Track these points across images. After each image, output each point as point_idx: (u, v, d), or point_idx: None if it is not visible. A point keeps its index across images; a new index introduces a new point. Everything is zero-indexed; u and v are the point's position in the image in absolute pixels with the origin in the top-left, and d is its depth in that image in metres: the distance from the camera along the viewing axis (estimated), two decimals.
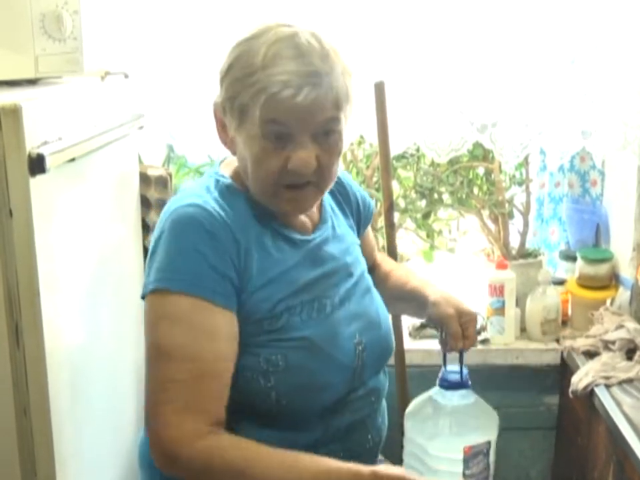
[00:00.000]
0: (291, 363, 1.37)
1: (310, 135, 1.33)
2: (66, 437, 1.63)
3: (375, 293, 1.58)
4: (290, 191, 1.37)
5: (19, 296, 1.48)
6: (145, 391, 1.34)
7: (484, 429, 1.52)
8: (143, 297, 1.36)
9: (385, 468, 1.30)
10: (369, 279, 1.59)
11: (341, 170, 1.57)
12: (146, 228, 2.21)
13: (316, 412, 1.42)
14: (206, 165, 2.57)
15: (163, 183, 2.24)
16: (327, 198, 1.57)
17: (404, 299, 1.72)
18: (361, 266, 1.58)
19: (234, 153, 1.43)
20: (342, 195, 1.63)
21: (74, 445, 1.68)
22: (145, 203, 2.20)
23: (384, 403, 1.60)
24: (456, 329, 1.58)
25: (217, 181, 1.43)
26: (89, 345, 1.80)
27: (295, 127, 1.32)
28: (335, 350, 1.42)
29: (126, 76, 2.08)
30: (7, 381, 1.51)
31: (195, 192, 1.40)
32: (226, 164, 1.50)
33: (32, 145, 1.46)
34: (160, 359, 1.31)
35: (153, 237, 1.39)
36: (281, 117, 1.31)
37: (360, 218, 1.66)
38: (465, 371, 1.59)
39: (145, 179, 2.19)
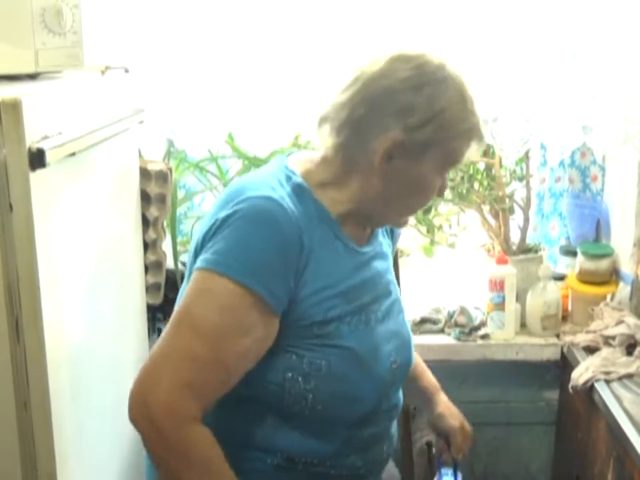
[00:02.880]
0: (334, 370, 1.37)
1: None
2: (66, 431, 1.63)
3: (404, 313, 1.60)
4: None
5: (19, 291, 1.48)
6: (152, 348, 1.31)
7: None
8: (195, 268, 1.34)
9: None
10: (401, 298, 1.61)
11: None
12: (146, 222, 2.21)
13: (344, 423, 1.42)
14: (205, 160, 2.57)
15: (163, 177, 2.24)
16: None
17: (412, 388, 1.77)
18: (396, 287, 1.59)
19: (368, 174, 1.41)
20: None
21: (74, 439, 1.68)
22: (145, 197, 2.20)
23: None
24: (460, 441, 1.74)
25: (289, 177, 1.40)
26: (90, 339, 1.80)
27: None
28: (375, 365, 1.43)
29: (126, 70, 2.08)
30: (8, 376, 1.51)
31: (269, 183, 1.36)
32: (295, 161, 1.46)
33: (32, 139, 1.46)
34: (186, 327, 1.29)
35: (216, 212, 1.35)
36: (464, 156, 1.42)
37: (392, 239, 1.67)
38: (460, 477, 1.78)
39: (145, 173, 2.19)
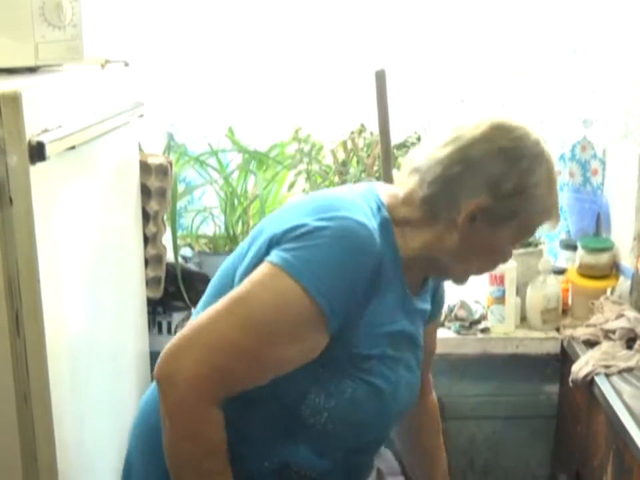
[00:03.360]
0: (356, 399, 1.39)
1: None
2: (66, 423, 1.63)
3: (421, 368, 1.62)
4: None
5: (19, 284, 1.48)
6: (194, 321, 1.30)
7: None
8: (263, 259, 1.33)
9: None
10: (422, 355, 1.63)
11: None
12: (146, 216, 2.21)
13: (344, 447, 1.45)
14: (206, 154, 2.57)
15: (163, 171, 2.24)
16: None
17: (423, 471, 1.83)
18: (422, 343, 1.60)
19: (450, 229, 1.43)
20: (435, 280, 1.65)
21: (74, 431, 1.69)
22: (145, 191, 2.20)
23: None
24: None
25: (379, 208, 1.42)
26: (89, 332, 1.80)
27: None
28: (392, 408, 1.47)
29: (126, 64, 2.08)
30: (8, 369, 1.51)
31: (363, 209, 1.38)
32: (384, 193, 1.48)
33: (32, 132, 1.46)
34: (239, 313, 1.28)
35: (303, 216, 1.34)
36: (534, 234, 1.51)
37: (434, 307, 1.67)
38: None
39: (145, 167, 2.19)
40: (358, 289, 1.32)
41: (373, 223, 1.35)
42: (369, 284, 1.34)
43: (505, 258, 1.49)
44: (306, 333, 1.30)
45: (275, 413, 1.39)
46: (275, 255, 1.31)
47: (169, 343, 1.28)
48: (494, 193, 1.36)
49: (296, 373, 1.34)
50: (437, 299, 1.67)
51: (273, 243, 1.33)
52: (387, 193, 1.47)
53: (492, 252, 1.46)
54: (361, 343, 1.38)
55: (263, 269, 1.30)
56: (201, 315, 1.31)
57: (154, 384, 1.49)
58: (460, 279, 1.52)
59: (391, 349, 1.43)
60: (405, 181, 1.44)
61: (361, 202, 1.40)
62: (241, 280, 1.35)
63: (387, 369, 1.43)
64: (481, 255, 1.45)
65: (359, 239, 1.31)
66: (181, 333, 1.29)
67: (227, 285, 1.39)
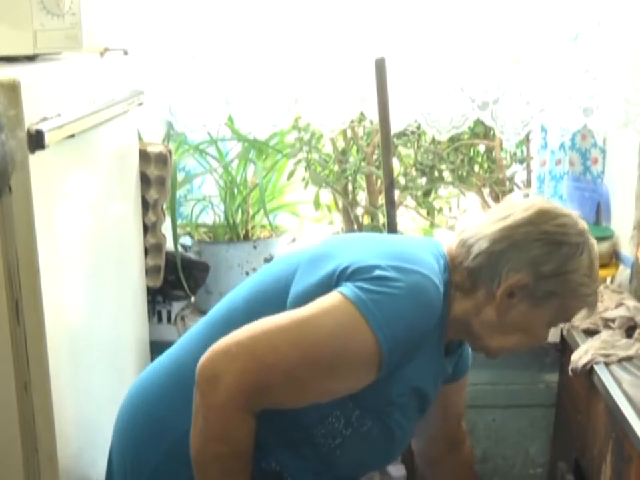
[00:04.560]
0: (372, 435, 1.45)
1: None
2: (67, 412, 1.64)
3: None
4: None
5: (18, 273, 1.48)
6: (250, 327, 1.31)
7: None
8: (337, 286, 1.36)
9: None
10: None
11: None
12: (146, 205, 2.21)
13: (342, 474, 1.51)
14: (205, 142, 2.56)
15: (162, 160, 2.23)
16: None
17: None
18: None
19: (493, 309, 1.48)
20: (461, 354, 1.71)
21: (75, 420, 1.69)
22: (145, 180, 2.19)
23: None
24: None
25: (444, 270, 1.48)
26: (89, 321, 1.80)
27: None
28: (394, 450, 1.55)
29: (125, 52, 2.07)
30: (8, 358, 1.51)
31: (435, 269, 1.43)
32: (450, 255, 1.52)
33: (31, 121, 1.45)
34: (302, 338, 1.29)
35: (373, 257, 1.38)
36: (571, 319, 1.58)
37: (457, 367, 1.71)
38: None
39: (144, 156, 2.19)
40: (415, 343, 1.37)
41: (439, 283, 1.41)
42: (422, 340, 1.39)
43: (539, 339, 1.53)
44: (360, 373, 1.34)
45: (291, 426, 1.42)
46: (348, 289, 1.32)
47: (220, 341, 1.28)
48: (534, 272, 1.43)
49: None
50: (463, 357, 1.73)
51: (344, 276, 1.36)
52: (449, 254, 1.52)
53: (527, 331, 1.50)
54: (393, 391, 1.43)
55: (333, 299, 1.32)
56: (258, 323, 1.31)
57: (148, 374, 1.51)
58: (492, 353, 1.55)
59: (413, 402, 1.50)
60: (455, 247, 1.51)
61: (432, 259, 1.45)
62: (297, 298, 1.37)
63: (402, 417, 1.49)
64: (516, 333, 1.49)
65: (431, 300, 1.37)
66: (234, 335, 1.29)
67: (279, 293, 1.41)
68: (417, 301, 1.35)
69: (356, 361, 1.32)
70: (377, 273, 1.34)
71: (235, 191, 2.56)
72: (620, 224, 2.50)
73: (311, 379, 1.30)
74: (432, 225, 2.77)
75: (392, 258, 1.38)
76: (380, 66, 2.17)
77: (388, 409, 1.45)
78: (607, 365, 2.07)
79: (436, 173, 2.67)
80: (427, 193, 2.69)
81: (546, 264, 1.44)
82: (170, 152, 2.27)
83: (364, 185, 2.66)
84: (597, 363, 2.08)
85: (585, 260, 1.46)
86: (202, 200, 2.62)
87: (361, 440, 1.44)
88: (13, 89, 1.42)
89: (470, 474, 1.90)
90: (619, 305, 2.28)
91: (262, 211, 2.50)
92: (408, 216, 2.78)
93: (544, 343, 1.60)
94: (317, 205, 2.63)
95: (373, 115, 2.39)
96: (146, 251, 2.24)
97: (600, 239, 2.45)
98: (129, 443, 1.54)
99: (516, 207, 1.49)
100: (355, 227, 2.69)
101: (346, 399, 1.40)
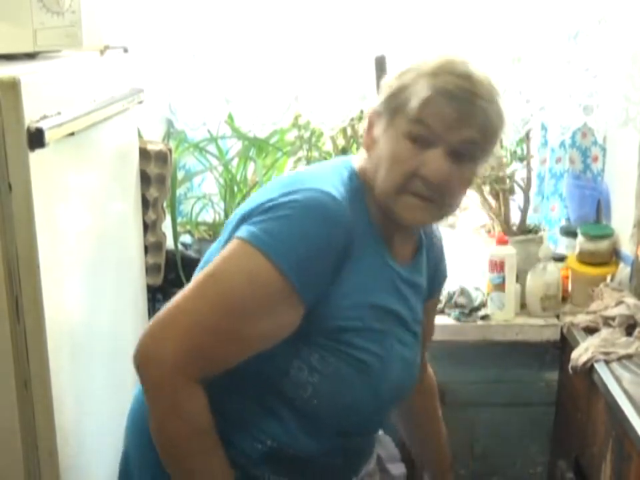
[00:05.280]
0: (339, 374, 1.39)
1: (449, 147, 1.36)
2: (67, 410, 1.64)
3: (421, 344, 1.61)
4: (415, 198, 1.38)
5: (18, 270, 1.48)
6: (169, 303, 1.31)
7: None
8: (233, 235, 1.34)
9: None
10: (421, 331, 1.61)
11: (438, 227, 1.68)
12: (146, 203, 2.21)
13: (336, 428, 1.45)
14: (205, 140, 2.56)
15: (162, 158, 2.23)
16: (423, 243, 1.59)
17: (425, 452, 1.86)
18: (420, 318, 1.59)
19: (370, 156, 1.44)
20: (433, 249, 1.64)
21: (75, 417, 1.69)
22: (145, 178, 2.19)
23: None
24: None
25: (351, 178, 1.43)
26: (89, 318, 1.80)
27: (438, 134, 1.35)
28: (380, 383, 1.44)
29: (125, 50, 2.07)
30: (8, 355, 1.51)
31: (332, 180, 1.39)
32: (362, 160, 1.48)
33: (31, 119, 1.45)
34: (212, 292, 1.30)
35: (273, 191, 1.35)
36: (430, 119, 1.35)
37: (433, 281, 1.66)
38: None
39: (144, 154, 2.19)
40: (327, 259, 1.32)
41: (341, 191, 1.36)
42: (342, 254, 1.33)
43: (419, 167, 1.36)
44: (277, 307, 1.30)
45: (260, 390, 1.39)
46: (242, 230, 1.32)
47: (146, 329, 1.31)
48: (382, 94, 1.43)
49: (277, 348, 1.34)
50: (437, 275, 1.66)
51: (243, 220, 1.34)
52: (361, 159, 1.47)
53: (395, 162, 1.38)
54: (335, 315, 1.37)
55: (231, 245, 1.32)
56: (175, 296, 1.31)
57: None
58: (399, 208, 1.40)
59: (373, 322, 1.41)
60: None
61: (330, 173, 1.41)
62: (208, 261, 1.36)
63: (371, 343, 1.41)
64: (390, 172, 1.38)
65: (325, 209, 1.31)
66: (156, 316, 1.31)
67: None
68: (312, 216, 1.30)
69: (269, 296, 1.29)
70: (268, 204, 1.32)
71: (235, 189, 2.56)
72: (620, 222, 2.50)
73: (236, 328, 1.29)
74: None
75: (285, 186, 1.35)
76: (380, 63, 2.17)
77: (343, 338, 1.38)
78: (607, 363, 2.07)
79: None
80: None
81: (388, 84, 1.43)
82: (170, 150, 2.27)
83: None
84: (597, 361, 2.08)
85: (419, 63, 1.42)
86: (202, 198, 2.62)
87: (333, 382, 1.38)
88: (12, 87, 1.42)
89: (431, 405, 1.83)
90: (619, 303, 2.28)
91: None
92: None
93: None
94: None
95: None
96: (146, 249, 2.24)
97: (600, 237, 2.46)
98: (136, 439, 1.53)
99: None
100: None
101: (297, 344, 1.36)
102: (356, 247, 1.36)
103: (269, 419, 1.40)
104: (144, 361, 1.29)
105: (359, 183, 1.42)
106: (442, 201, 1.40)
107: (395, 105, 1.39)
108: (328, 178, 1.39)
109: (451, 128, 1.35)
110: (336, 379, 1.38)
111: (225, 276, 1.30)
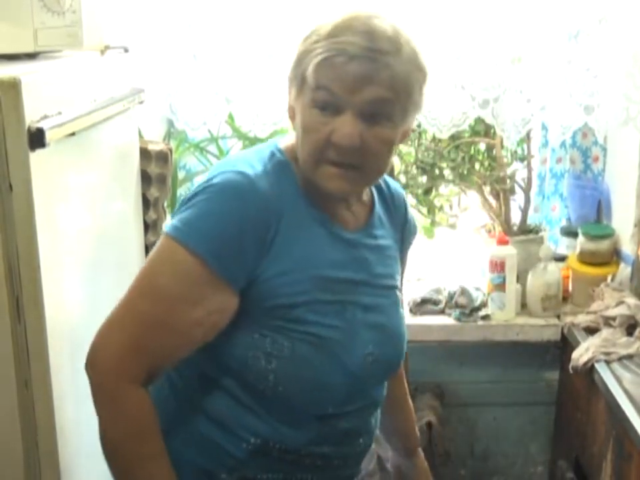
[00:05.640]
0: (297, 354, 1.35)
1: (357, 110, 1.31)
2: (67, 409, 1.64)
3: (400, 309, 1.55)
4: (333, 167, 1.35)
5: (19, 270, 1.48)
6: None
7: None
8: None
9: None
10: (398, 294, 1.56)
11: (397, 185, 1.62)
12: (146, 203, 2.21)
13: (313, 411, 1.40)
14: (206, 140, 2.57)
15: (163, 158, 2.23)
16: (378, 206, 1.54)
17: (392, 423, 1.73)
18: (395, 281, 1.54)
19: (294, 128, 1.42)
20: (395, 207, 1.59)
21: (75, 417, 1.69)
22: (146, 178, 2.19)
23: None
24: None
25: (273, 155, 1.41)
26: (90, 318, 1.79)
27: (342, 97, 1.30)
28: (344, 355, 1.39)
29: (126, 50, 2.07)
30: (8, 355, 1.51)
31: (250, 160, 1.38)
32: (285, 139, 1.47)
33: (31, 119, 1.45)
34: (144, 290, 1.33)
35: (198, 182, 1.38)
36: (330, 84, 1.30)
37: (403, 237, 1.62)
38: None
39: (145, 154, 2.19)
40: (246, 236, 1.30)
41: (258, 170, 1.34)
42: (263, 229, 1.32)
43: (331, 135, 1.32)
44: (203, 292, 1.30)
45: (233, 387, 1.38)
46: (166, 226, 1.35)
47: (94, 336, 1.34)
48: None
49: (234, 339, 1.35)
50: (406, 234, 1.61)
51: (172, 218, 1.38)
52: (289, 137, 1.46)
53: (307, 133, 1.35)
54: (276, 293, 1.34)
55: (158, 242, 1.35)
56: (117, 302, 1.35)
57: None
58: (324, 184, 1.37)
59: (322, 294, 1.37)
60: None
61: (252, 155, 1.40)
62: None
63: (323, 316, 1.37)
64: (305, 144, 1.36)
65: (236, 187, 1.31)
66: (102, 323, 1.34)
67: None
68: (224, 197, 1.30)
69: (192, 283, 1.30)
70: (188, 196, 1.35)
71: None
72: (621, 222, 2.50)
73: (169, 319, 1.30)
74: (433, 223, 2.77)
75: (205, 178, 1.37)
76: None
77: (291, 316, 1.34)
78: (607, 363, 2.07)
79: (437, 171, 2.67)
80: (427, 191, 2.69)
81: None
82: (170, 150, 2.27)
83: None
84: (597, 361, 2.09)
85: (318, 26, 1.36)
86: None
87: (291, 364, 1.35)
88: (13, 87, 1.42)
89: (398, 381, 1.74)
90: (620, 303, 2.28)
91: None
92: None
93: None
94: None
95: None
96: (146, 249, 2.24)
97: (601, 237, 2.46)
98: None
99: None
100: None
101: (250, 333, 1.35)
102: (286, 222, 1.34)
103: (248, 415, 1.38)
104: (88, 365, 1.32)
105: (283, 159, 1.40)
106: (364, 165, 1.36)
107: (299, 72, 1.35)
108: (246, 159, 1.38)
109: (353, 90, 1.30)
110: (294, 361, 1.35)
111: (153, 271, 1.33)
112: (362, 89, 1.30)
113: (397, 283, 1.55)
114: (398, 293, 1.55)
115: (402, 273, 1.63)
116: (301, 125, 1.35)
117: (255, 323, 1.35)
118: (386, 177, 1.55)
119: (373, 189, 1.53)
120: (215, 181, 1.32)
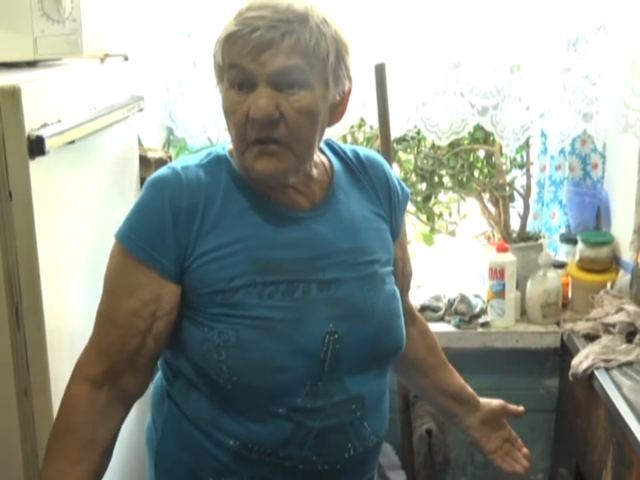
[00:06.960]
0: (242, 340, 1.33)
1: (270, 81, 1.28)
2: None
3: (379, 284, 1.46)
4: (258, 145, 1.32)
5: (19, 278, 1.49)
6: None
7: None
8: None
9: None
10: (378, 268, 1.47)
11: (375, 153, 1.57)
12: None
13: (278, 402, 1.36)
14: (206, 148, 2.57)
15: (163, 165, 2.23)
16: (340, 178, 1.47)
17: (457, 399, 1.74)
18: (373, 254, 1.46)
19: None
20: (368, 175, 1.52)
21: None
22: None
23: (381, 407, 1.49)
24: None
25: (213, 152, 1.43)
26: (89, 326, 1.79)
27: (253, 71, 1.28)
28: (297, 335, 1.35)
29: (125, 58, 2.07)
30: (8, 363, 1.51)
31: (188, 158, 1.43)
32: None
33: (31, 127, 1.46)
34: (102, 292, 1.41)
35: None
36: (237, 60, 1.28)
37: (390, 203, 1.54)
38: None
39: (144, 161, 2.19)
40: (171, 224, 1.33)
41: (190, 164, 1.39)
42: (187, 218, 1.34)
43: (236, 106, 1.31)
44: (136, 281, 1.35)
45: (204, 387, 1.38)
46: None
47: None
48: None
49: (190, 336, 1.37)
50: (393, 199, 1.54)
51: None
52: None
53: (229, 118, 1.33)
54: (214, 279, 1.34)
55: None
56: None
57: (158, 374, 1.51)
58: (249, 163, 1.34)
59: (262, 275, 1.34)
60: None
61: (195, 154, 1.45)
62: None
63: (268, 297, 1.34)
64: (230, 129, 1.35)
65: (162, 180, 1.37)
66: None
67: None
68: (151, 191, 1.36)
69: (124, 273, 1.37)
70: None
71: None
72: (620, 229, 2.50)
73: (109, 310, 1.38)
74: (432, 230, 2.77)
75: None
76: (380, 71, 2.17)
77: (232, 301, 1.33)
78: (607, 370, 2.07)
79: (436, 178, 2.67)
80: (427, 198, 2.69)
81: None
82: (170, 157, 2.28)
83: None
84: (597, 368, 2.08)
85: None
86: None
87: (240, 351, 1.32)
88: (13, 95, 1.42)
89: (433, 347, 1.73)
90: (619, 310, 2.28)
91: None
92: (408, 221, 2.78)
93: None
94: None
95: (373, 121, 2.40)
96: None
97: (600, 244, 2.46)
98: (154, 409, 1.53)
99: None
100: None
101: (199, 327, 1.35)
102: (217, 209, 1.36)
103: (223, 416, 1.37)
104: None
105: (222, 154, 1.42)
106: (288, 139, 1.31)
107: (215, 60, 1.35)
108: (187, 157, 1.44)
109: (260, 61, 1.27)
110: (241, 347, 1.33)
111: (106, 272, 1.40)
112: (269, 59, 1.27)
113: (376, 256, 1.47)
114: (376, 266, 1.46)
115: (398, 240, 1.57)
116: (224, 110, 1.35)
117: (199, 315, 1.36)
118: (355, 146, 1.54)
119: (330, 162, 1.48)
120: (153, 176, 1.39)
